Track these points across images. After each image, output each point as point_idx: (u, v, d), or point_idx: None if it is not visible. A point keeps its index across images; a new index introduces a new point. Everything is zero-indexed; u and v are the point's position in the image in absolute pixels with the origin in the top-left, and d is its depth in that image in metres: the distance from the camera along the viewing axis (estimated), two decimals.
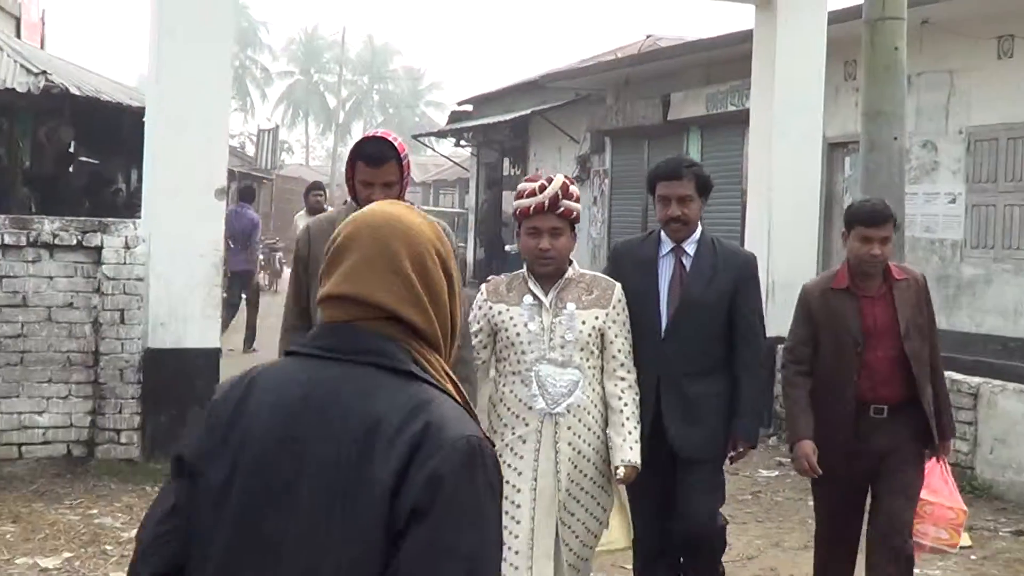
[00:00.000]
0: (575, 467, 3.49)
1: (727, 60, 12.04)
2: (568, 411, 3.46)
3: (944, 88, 10.37)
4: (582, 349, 3.50)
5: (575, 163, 16.39)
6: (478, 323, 3.58)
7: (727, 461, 3.93)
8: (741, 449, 3.85)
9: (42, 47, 16.82)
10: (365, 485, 1.38)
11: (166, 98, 6.49)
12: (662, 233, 3.87)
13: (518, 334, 3.50)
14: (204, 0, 6.56)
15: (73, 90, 11.89)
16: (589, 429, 3.52)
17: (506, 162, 20.33)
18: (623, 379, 3.58)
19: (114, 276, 6.44)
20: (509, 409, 3.51)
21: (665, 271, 3.82)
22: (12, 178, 13.23)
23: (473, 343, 3.53)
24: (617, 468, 3.53)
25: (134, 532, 2.32)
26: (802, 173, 8.37)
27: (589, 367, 3.52)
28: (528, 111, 17.04)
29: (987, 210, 9.96)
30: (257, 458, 1.45)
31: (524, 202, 3.51)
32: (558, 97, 16.72)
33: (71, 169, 14.68)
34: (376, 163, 3.26)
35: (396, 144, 3.32)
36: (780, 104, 8.36)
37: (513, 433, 3.48)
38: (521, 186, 3.58)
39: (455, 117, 22.60)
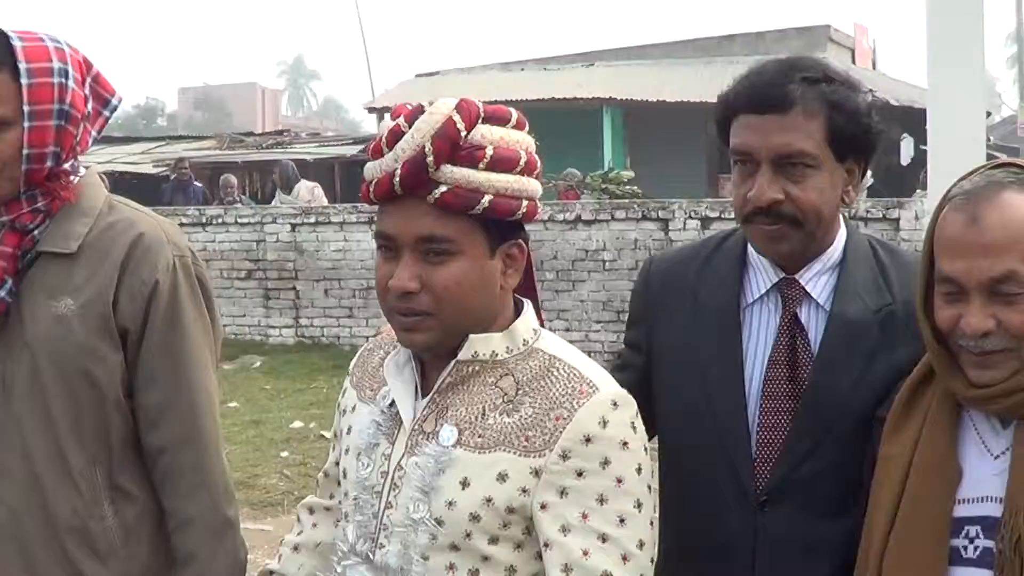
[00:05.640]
0: None
1: None
2: None
3: None
4: (452, 548, 1.40)
5: None
6: (333, 428, 1.70)
7: None
8: None
9: (873, 68, 21.83)
10: None
11: (938, 108, 7.26)
12: (749, 247, 1.71)
13: (345, 477, 1.57)
14: (962, 38, 6.96)
15: (892, 102, 16.09)
16: None
17: None
18: None
19: (908, 239, 8.63)
20: None
21: (758, 339, 1.66)
22: None
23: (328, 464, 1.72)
24: None
25: None
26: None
27: None
28: None
29: None
30: None
31: (368, 172, 1.46)
32: None
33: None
34: None
35: (14, 40, 1.62)
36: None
37: None
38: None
39: None
